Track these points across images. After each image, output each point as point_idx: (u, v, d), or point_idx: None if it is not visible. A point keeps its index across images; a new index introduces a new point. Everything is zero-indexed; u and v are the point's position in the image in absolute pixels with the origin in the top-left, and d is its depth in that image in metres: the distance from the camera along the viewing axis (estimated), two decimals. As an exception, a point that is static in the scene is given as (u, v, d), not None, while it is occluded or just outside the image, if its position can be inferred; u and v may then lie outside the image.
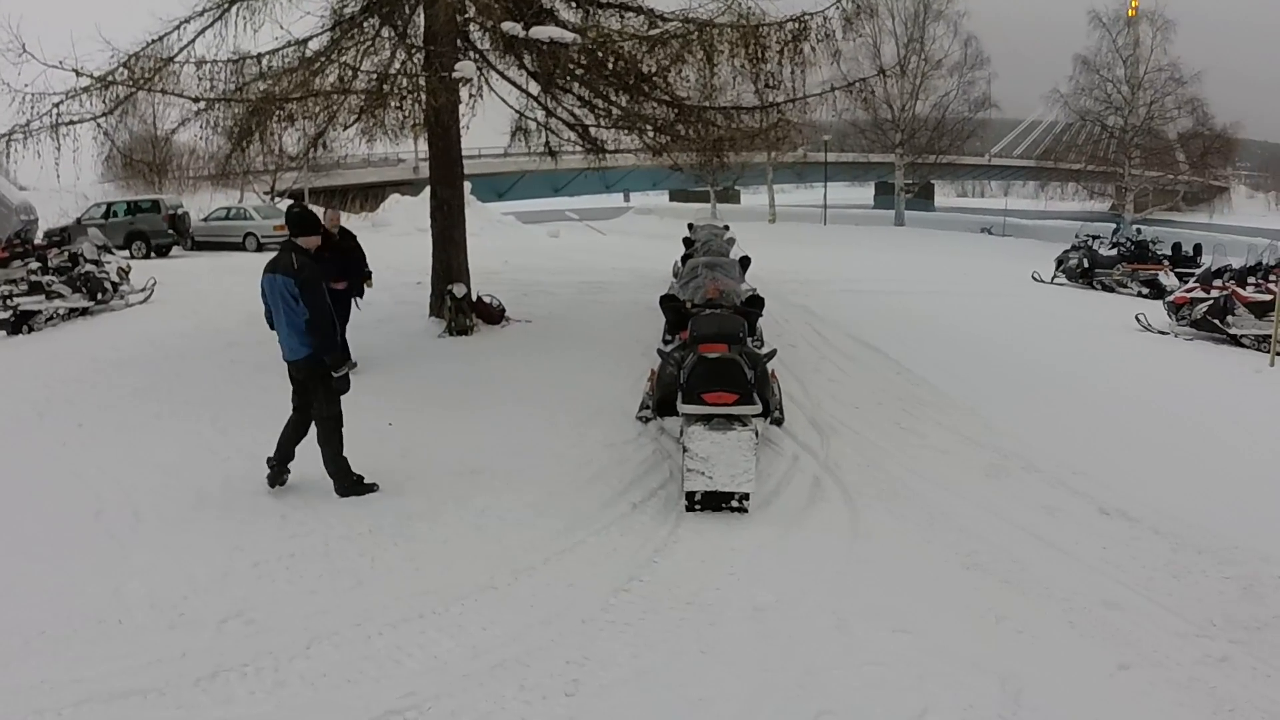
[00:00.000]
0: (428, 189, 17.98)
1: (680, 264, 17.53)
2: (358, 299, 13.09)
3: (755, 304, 11.53)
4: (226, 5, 14.47)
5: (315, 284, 8.27)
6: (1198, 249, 28.64)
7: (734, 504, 8.32)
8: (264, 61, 14.69)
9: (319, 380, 8.45)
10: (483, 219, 36.79)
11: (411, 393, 11.86)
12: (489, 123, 17.62)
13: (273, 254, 8.70)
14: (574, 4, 15.53)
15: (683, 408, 8.59)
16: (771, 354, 9.95)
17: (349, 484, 8.63)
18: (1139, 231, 32.61)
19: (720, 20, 13.07)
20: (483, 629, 6.25)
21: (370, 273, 13.50)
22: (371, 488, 8.71)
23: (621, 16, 14.73)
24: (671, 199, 75.31)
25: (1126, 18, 59.52)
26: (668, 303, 11.72)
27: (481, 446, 9.87)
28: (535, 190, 63.93)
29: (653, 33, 13.33)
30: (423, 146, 22.36)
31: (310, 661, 5.88)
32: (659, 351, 10.21)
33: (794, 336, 15.60)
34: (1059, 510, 8.85)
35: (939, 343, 16.67)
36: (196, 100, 14.00)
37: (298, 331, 8.27)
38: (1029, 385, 13.93)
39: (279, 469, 8.71)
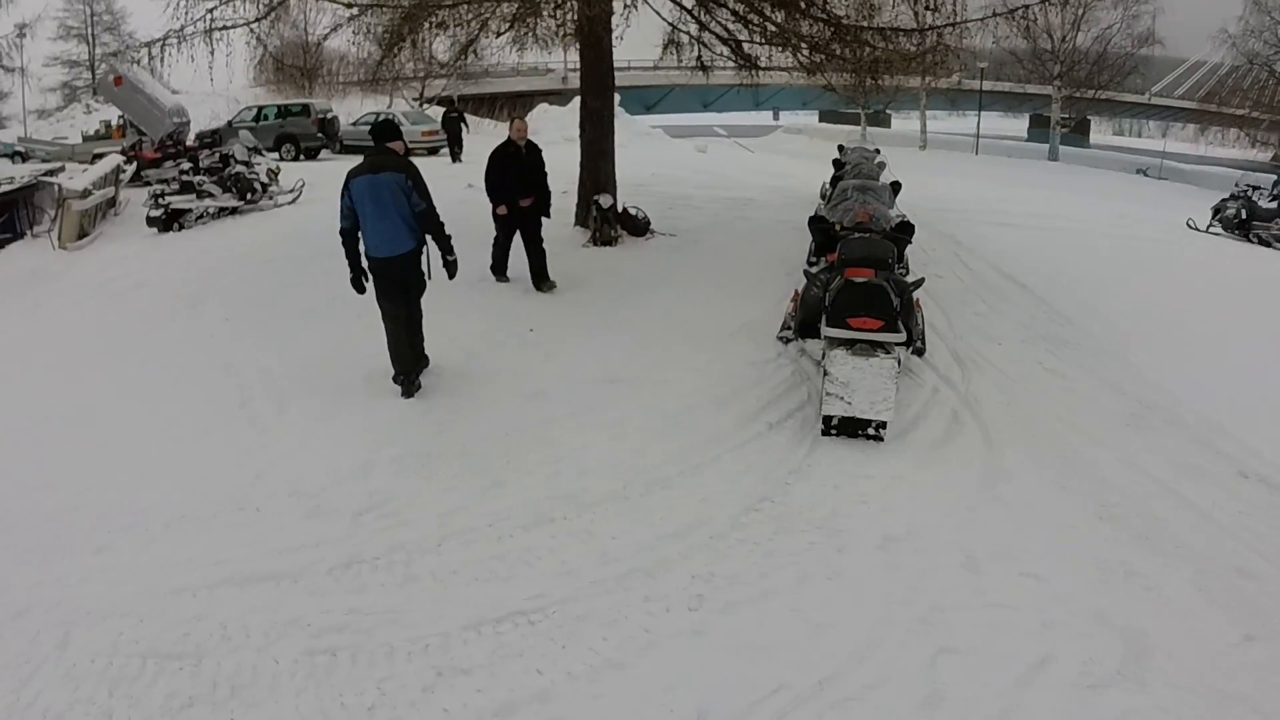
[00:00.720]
0: (576, 99, 17.90)
1: (829, 185, 17.25)
2: (545, 219, 12.68)
3: (905, 230, 11.28)
4: (381, -90, 14.46)
5: (422, 178, 8.68)
6: (1360, 209, 27.50)
7: (871, 431, 8.23)
8: (417, -33, 14.68)
9: (419, 273, 8.78)
10: (630, 131, 36.66)
11: (553, 300, 11.94)
12: (641, 34, 17.45)
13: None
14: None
15: (826, 331, 8.47)
16: (919, 282, 9.76)
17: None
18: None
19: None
20: (613, 538, 6.32)
21: (550, 192, 12.89)
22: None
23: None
24: (821, 120, 73.92)
25: (1302, -44, 56.76)
26: (816, 224, 11.53)
27: (621, 356, 9.89)
28: (684, 104, 63.42)
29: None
30: (573, 57, 22.27)
31: (441, 558, 6.01)
32: (805, 272, 10.09)
33: (940, 266, 15.30)
34: (1199, 469, 8.58)
35: (1087, 284, 16.21)
36: (349, 6, 14.09)
37: (408, 225, 8.53)
38: (1177, 335, 13.49)
39: (409, 378, 8.84)
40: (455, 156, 30.75)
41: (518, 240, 12.47)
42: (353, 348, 9.88)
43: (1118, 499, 7.72)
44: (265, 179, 20.41)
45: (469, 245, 11.18)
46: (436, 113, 38.43)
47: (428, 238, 8.76)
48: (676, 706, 4.73)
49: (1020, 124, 77.09)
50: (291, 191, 20.90)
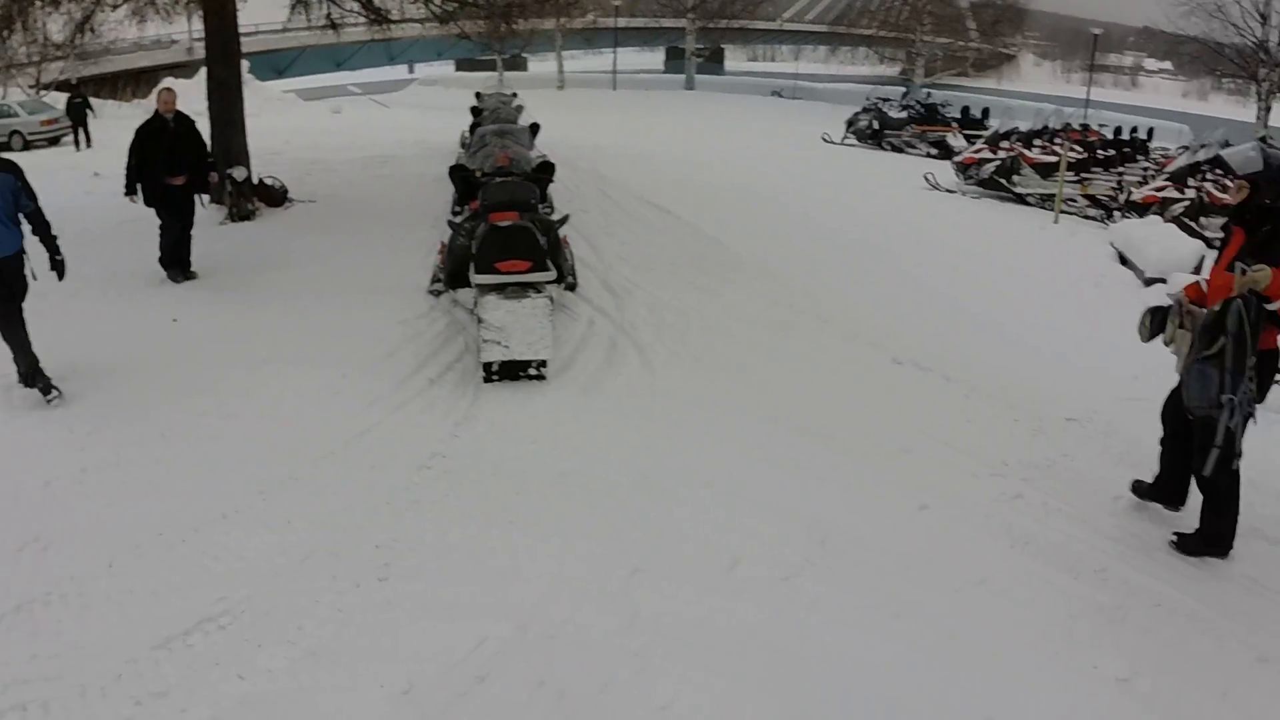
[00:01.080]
0: (203, 70, 17.19)
1: (468, 134, 17.23)
2: (202, 197, 11.75)
3: (546, 170, 11.44)
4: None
5: (26, 177, 8.10)
6: (985, 113, 30.03)
7: (532, 372, 8.37)
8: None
9: (21, 271, 8.13)
10: (262, 98, 35.52)
11: (194, 285, 11.38)
12: (268, -5, 16.96)
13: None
14: None
15: (475, 278, 8.53)
16: (563, 219, 9.90)
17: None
18: (928, 95, 33.57)
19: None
20: (288, 522, 6.12)
21: (213, 162, 12.13)
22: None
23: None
24: (458, 69, 73.41)
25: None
26: (457, 173, 11.51)
27: (271, 334, 9.55)
28: (316, 66, 61.53)
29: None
30: (197, 25, 21.39)
31: (115, 579, 5.63)
32: (449, 223, 10.07)
33: (585, 202, 15.56)
34: (853, 361, 9.15)
35: (731, 204, 16.87)
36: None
37: (15, 226, 7.98)
38: (820, 242, 14.24)
39: (42, 377, 8.21)
40: (79, 144, 29.09)
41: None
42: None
43: (779, 399, 8.21)
44: None
45: (97, 240, 10.59)
46: (57, 99, 36.16)
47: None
48: (386, 682, 4.67)
49: (657, 57, 78.84)
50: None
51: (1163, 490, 6.76)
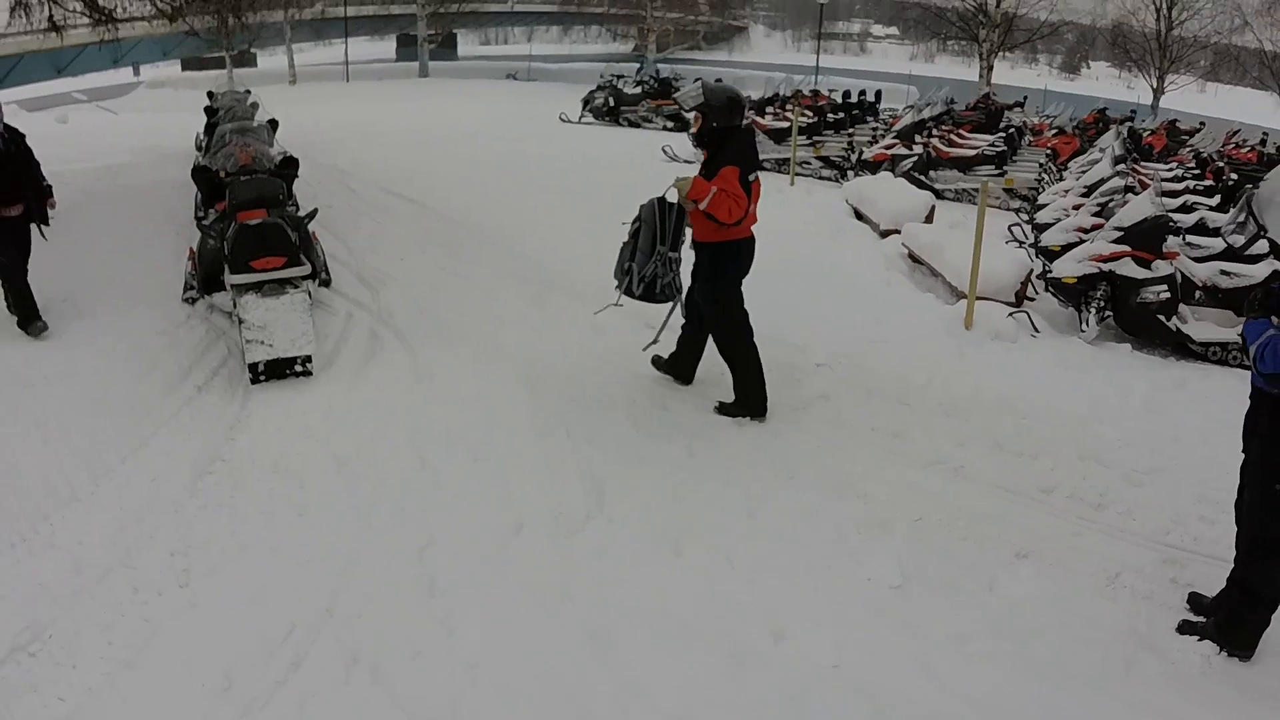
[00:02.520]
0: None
1: (204, 135, 16.89)
2: (42, 227, 9.71)
3: (290, 166, 11.45)
4: None
5: None
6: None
7: (298, 368, 8.50)
8: None
9: None
10: (-21, 112, 33.75)
11: None
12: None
13: None
14: None
15: (231, 278, 8.63)
16: (312, 214, 9.95)
17: None
18: (660, 72, 34.38)
19: None
20: (79, 542, 6.06)
21: (50, 187, 10.04)
22: None
23: None
24: (185, 69, 70.45)
25: None
26: (200, 174, 11.35)
27: (24, 354, 9.06)
28: (35, 73, 57.97)
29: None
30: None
31: (-88, 623, 5.47)
32: (198, 225, 10.00)
33: (329, 196, 15.44)
34: (607, 329, 9.46)
35: (473, 187, 17.15)
36: None
37: None
38: (565, 217, 14.65)
39: None
40: None
41: None
42: None
43: (537, 370, 8.68)
44: None
45: None
46: None
47: None
48: (206, 680, 4.78)
49: (389, 46, 78.01)
50: None
51: (676, 367, 8.42)
